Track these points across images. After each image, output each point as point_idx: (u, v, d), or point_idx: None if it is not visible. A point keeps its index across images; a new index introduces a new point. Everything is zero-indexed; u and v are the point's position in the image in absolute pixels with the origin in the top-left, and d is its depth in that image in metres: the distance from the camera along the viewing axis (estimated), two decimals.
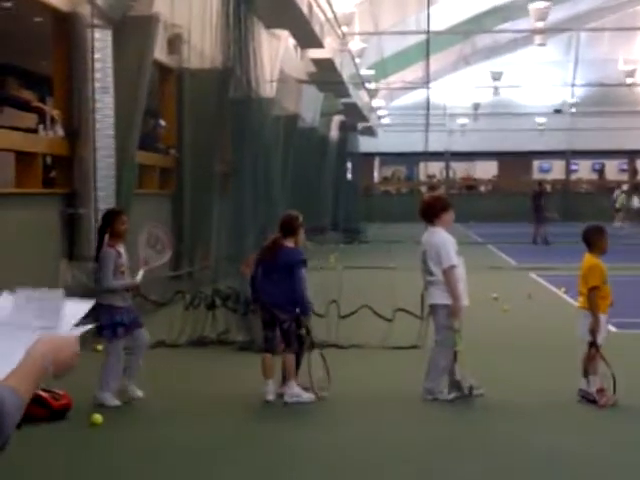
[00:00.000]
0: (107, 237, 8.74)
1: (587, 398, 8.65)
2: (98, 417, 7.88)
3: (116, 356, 8.63)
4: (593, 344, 8.60)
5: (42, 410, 7.77)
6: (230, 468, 6.95)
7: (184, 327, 11.56)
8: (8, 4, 14.01)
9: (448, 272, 8.78)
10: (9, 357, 2.39)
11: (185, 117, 17.83)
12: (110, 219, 8.84)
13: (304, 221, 9.18)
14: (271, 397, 8.77)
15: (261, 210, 14.15)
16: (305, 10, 18.89)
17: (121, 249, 8.74)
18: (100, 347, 9.41)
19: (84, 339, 2.62)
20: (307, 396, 8.81)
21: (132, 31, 13.79)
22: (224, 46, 14.49)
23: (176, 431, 7.91)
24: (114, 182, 13.29)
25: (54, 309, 2.56)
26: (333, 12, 21.24)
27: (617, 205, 43.88)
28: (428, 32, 16.29)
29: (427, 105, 14.98)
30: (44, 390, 7.88)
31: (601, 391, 8.57)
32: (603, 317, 8.70)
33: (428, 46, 16.13)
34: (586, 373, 8.70)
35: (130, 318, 8.70)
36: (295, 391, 8.80)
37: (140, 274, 8.80)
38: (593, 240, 8.88)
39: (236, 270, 11.97)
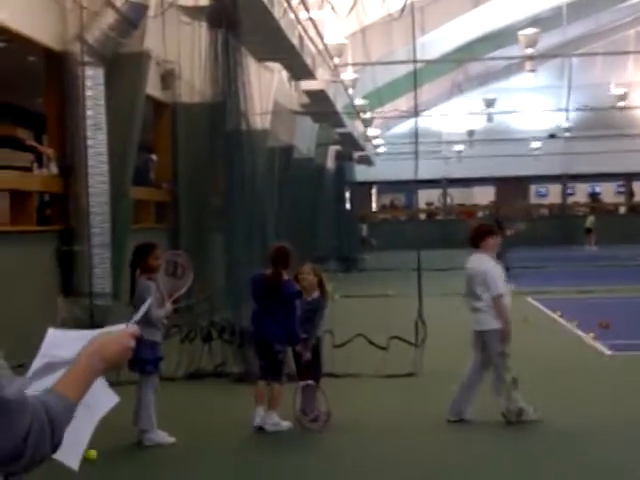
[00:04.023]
0: (138, 272, 8.68)
1: None
2: (93, 452, 7.91)
3: (154, 392, 8.67)
4: None
5: None
6: None
7: (181, 360, 11.58)
8: (1, 44, 14.14)
9: (497, 300, 8.93)
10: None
11: (180, 151, 17.98)
12: (143, 253, 8.78)
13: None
14: (258, 421, 8.91)
15: (255, 242, 14.23)
16: (296, 42, 19.04)
17: (154, 282, 8.65)
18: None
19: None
20: (286, 424, 8.95)
21: (124, 68, 13.94)
22: (214, 80, 14.62)
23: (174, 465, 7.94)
24: (109, 218, 13.39)
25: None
26: (324, 44, 21.39)
27: (587, 225, 44.66)
28: (415, 61, 16.33)
29: (416, 133, 15.02)
30: None
31: None
32: None
33: (415, 75, 16.21)
34: None
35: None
36: (275, 420, 8.93)
37: (169, 306, 8.70)
38: None
39: (231, 303, 12.06)
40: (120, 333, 2.63)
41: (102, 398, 2.68)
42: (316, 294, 9.37)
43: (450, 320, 16.28)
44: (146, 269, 8.65)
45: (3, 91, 16.09)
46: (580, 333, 14.74)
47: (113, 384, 2.83)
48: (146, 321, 8.38)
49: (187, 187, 17.80)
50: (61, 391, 2.41)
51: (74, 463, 2.61)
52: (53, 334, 2.73)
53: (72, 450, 2.58)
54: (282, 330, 8.97)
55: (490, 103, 44.03)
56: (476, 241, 9.25)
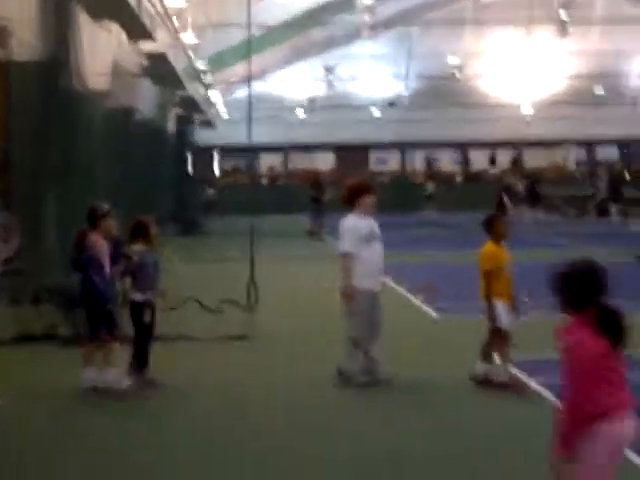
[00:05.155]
0: None
1: (485, 381, 8.91)
2: None
3: None
4: (495, 330, 8.84)
5: None
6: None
7: (9, 323, 11.38)
8: None
9: (340, 257, 9.20)
10: None
11: (13, 110, 17.47)
12: None
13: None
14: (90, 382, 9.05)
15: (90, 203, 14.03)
16: (132, 2, 18.76)
17: None
18: None
19: None
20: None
21: None
22: (46, 37, 14.31)
23: None
24: None
25: None
26: (163, 6, 21.16)
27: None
28: (249, 26, 16.39)
29: (249, 100, 15.18)
30: None
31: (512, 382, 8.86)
32: (500, 303, 8.85)
33: (250, 41, 16.31)
34: (486, 358, 8.99)
35: None
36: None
37: None
38: (489, 227, 9.12)
39: (64, 264, 11.88)
40: None
41: None
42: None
43: (286, 284, 16.55)
44: None
45: None
46: (409, 296, 15.21)
47: None
48: None
49: (21, 147, 17.33)
50: None
51: None
52: None
53: None
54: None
55: (331, 70, 44.41)
56: (347, 203, 9.37)
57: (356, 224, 9.25)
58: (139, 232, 9.35)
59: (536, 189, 36.75)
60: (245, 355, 10.69)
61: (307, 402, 8.70)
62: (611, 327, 4.53)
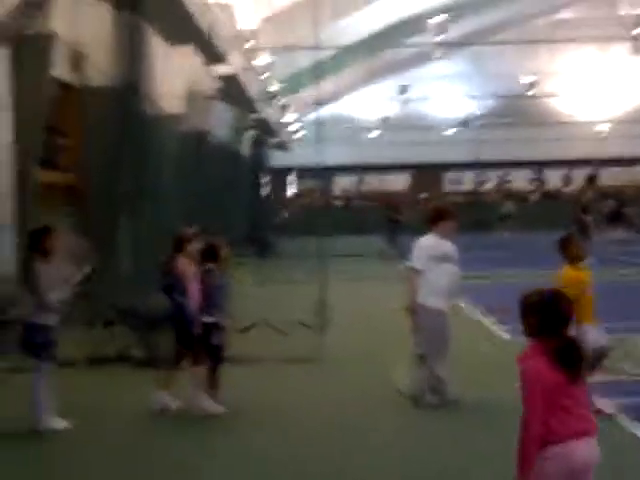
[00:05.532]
0: (36, 255, 8.59)
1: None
2: None
3: (48, 377, 8.58)
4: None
5: None
6: None
7: (81, 345, 11.52)
8: None
9: (408, 272, 9.32)
10: None
11: (88, 135, 17.76)
12: (39, 236, 8.70)
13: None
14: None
15: (164, 227, 14.22)
16: (206, 27, 18.98)
17: (51, 266, 8.60)
18: None
19: None
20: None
21: (29, 49, 13.71)
22: (120, 62, 14.55)
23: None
24: (11, 200, 13.22)
25: None
26: (237, 28, 21.38)
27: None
28: (318, 48, 16.45)
29: (317, 121, 15.21)
30: None
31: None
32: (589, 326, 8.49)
33: (320, 65, 16.32)
34: None
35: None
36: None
37: (65, 290, 8.63)
38: (563, 249, 8.89)
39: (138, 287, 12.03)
40: None
41: None
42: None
43: (357, 305, 16.49)
44: (42, 252, 8.60)
45: None
46: (482, 317, 15.07)
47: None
48: (40, 305, 8.36)
49: (96, 171, 17.60)
50: None
51: None
52: None
53: None
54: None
55: (404, 90, 44.40)
56: (432, 221, 9.49)
57: (431, 244, 9.39)
58: (210, 255, 9.40)
59: (621, 208, 36.18)
60: (315, 377, 10.67)
61: (377, 423, 8.66)
62: (568, 359, 4.60)
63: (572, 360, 4.61)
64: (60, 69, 16.04)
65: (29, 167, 14.01)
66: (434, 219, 9.48)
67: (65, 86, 17.57)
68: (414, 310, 9.17)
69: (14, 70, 13.28)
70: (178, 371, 9.22)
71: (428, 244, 9.36)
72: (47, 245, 8.59)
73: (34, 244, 8.66)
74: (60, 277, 8.52)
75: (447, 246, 9.42)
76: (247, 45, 23.33)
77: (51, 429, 8.46)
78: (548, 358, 4.57)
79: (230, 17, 20.10)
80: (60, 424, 8.55)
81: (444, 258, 9.30)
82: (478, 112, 48.51)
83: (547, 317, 4.67)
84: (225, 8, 19.07)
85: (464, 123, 50.10)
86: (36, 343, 8.43)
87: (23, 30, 13.50)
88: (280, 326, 12.28)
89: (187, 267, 9.24)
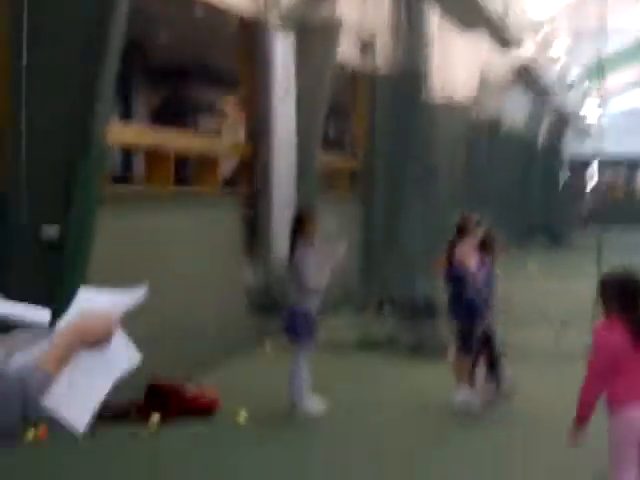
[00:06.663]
0: (299, 237, 8.66)
1: None
2: (242, 415, 8.01)
3: (306, 361, 8.65)
4: None
5: (184, 407, 8.00)
6: None
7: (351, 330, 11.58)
8: (199, 14, 14.44)
9: None
10: None
11: (376, 121, 17.87)
12: (302, 219, 8.80)
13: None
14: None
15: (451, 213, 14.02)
16: (498, 12, 18.55)
17: (312, 250, 8.65)
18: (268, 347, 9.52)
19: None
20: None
21: (315, 36, 13.93)
22: (408, 50, 14.53)
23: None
24: (295, 185, 13.50)
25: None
26: (531, 16, 20.77)
27: None
28: None
29: (620, 110, 14.36)
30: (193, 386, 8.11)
31: None
32: None
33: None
34: None
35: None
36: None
37: (326, 274, 8.60)
38: None
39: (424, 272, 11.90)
40: (104, 313, 2.60)
41: (121, 357, 2.62)
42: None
43: None
44: (304, 236, 8.61)
45: (195, 54, 16.56)
46: None
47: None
48: (302, 290, 8.38)
49: (383, 157, 17.68)
50: (40, 365, 2.46)
51: (80, 423, 2.55)
52: (85, 293, 2.70)
53: (81, 409, 2.53)
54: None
55: None
56: None
57: None
58: (484, 246, 9.07)
59: None
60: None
61: None
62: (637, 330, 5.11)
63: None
64: (348, 56, 16.24)
65: (313, 152, 14.27)
66: None
67: (353, 73, 17.78)
68: None
69: (300, 57, 13.53)
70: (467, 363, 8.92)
71: None
72: (309, 229, 8.60)
73: (297, 228, 8.69)
74: (320, 260, 8.51)
75: None
76: (543, 31, 22.57)
77: (307, 413, 8.48)
78: (620, 329, 5.09)
79: (526, 4, 19.52)
80: (319, 407, 8.56)
81: None
82: None
83: (619, 295, 5.22)
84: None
85: None
86: (297, 328, 8.47)
87: (309, 18, 13.73)
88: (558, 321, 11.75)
89: (469, 255, 8.92)
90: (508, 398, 8.80)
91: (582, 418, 5.20)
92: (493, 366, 9.01)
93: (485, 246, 9.08)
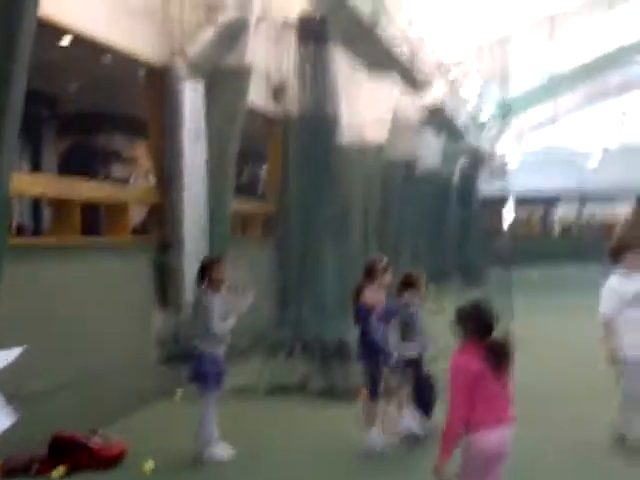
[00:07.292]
0: (205, 285, 8.68)
1: None
2: (149, 464, 7.94)
3: (214, 407, 8.63)
4: None
5: (89, 459, 7.90)
6: None
7: (261, 375, 11.57)
8: (107, 62, 14.44)
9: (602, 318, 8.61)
10: None
11: (290, 165, 17.96)
12: (208, 267, 8.80)
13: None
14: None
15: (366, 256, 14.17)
16: (406, 55, 18.88)
17: (219, 297, 8.68)
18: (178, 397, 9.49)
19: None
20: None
21: (224, 81, 13.98)
22: (317, 93, 14.66)
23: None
24: (207, 230, 13.48)
25: None
26: (441, 59, 21.17)
27: None
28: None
29: (533, 149, 14.74)
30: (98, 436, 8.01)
31: None
32: None
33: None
34: None
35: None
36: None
37: (231, 321, 8.64)
38: None
39: (337, 315, 11.93)
40: None
41: None
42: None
43: (558, 335, 15.92)
44: (211, 283, 8.65)
45: (102, 101, 16.53)
46: None
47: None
48: (208, 335, 8.40)
49: (297, 201, 17.77)
50: None
51: None
52: None
53: None
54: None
55: (626, 114, 42.68)
56: (614, 256, 8.79)
57: (615, 283, 8.61)
58: (408, 285, 9.21)
59: None
60: None
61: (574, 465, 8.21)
62: (495, 354, 5.44)
63: (499, 355, 5.48)
64: (260, 101, 16.36)
65: (225, 197, 14.28)
66: (618, 251, 8.75)
67: (267, 118, 17.89)
68: (613, 361, 8.53)
69: (210, 103, 13.58)
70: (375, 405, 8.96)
71: (615, 284, 8.61)
72: (216, 276, 8.64)
73: (204, 275, 8.72)
74: (227, 308, 8.54)
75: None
76: (453, 73, 23.02)
77: (215, 459, 8.46)
78: (475, 354, 5.43)
79: (436, 48, 19.88)
80: (226, 452, 8.54)
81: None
82: None
83: (474, 322, 5.59)
84: (430, 40, 18.87)
85: None
86: (205, 375, 8.47)
87: (218, 65, 13.79)
88: None
89: (377, 297, 9.01)
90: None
91: (451, 450, 5.41)
92: (421, 399, 9.09)
93: (409, 286, 9.22)
